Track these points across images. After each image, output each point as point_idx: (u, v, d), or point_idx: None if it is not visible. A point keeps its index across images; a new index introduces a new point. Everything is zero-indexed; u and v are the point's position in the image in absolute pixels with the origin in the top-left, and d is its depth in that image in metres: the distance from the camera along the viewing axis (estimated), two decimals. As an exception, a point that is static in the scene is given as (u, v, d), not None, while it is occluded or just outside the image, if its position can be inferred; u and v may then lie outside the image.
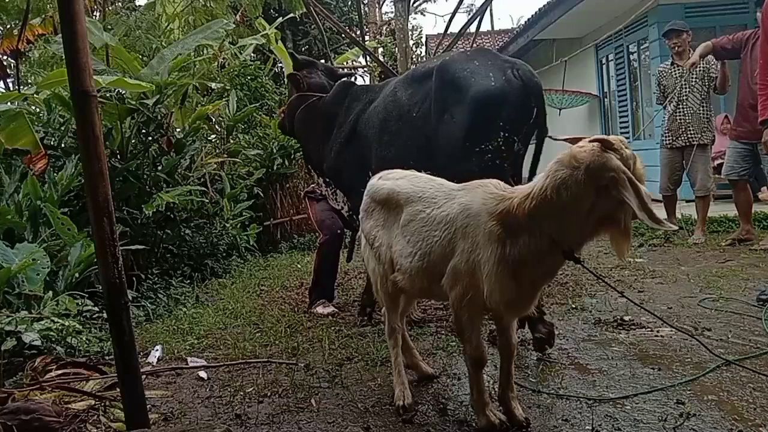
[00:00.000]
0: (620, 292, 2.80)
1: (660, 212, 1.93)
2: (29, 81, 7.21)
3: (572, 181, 1.76)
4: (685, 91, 5.72)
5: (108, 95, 4.56)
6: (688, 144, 5.69)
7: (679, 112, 5.73)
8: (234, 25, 7.09)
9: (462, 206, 2.00)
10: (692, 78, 5.69)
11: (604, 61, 10.25)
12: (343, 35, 13.41)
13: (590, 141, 1.81)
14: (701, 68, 5.66)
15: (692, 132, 5.66)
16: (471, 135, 2.84)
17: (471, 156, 2.84)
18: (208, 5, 7.85)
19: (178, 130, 6.07)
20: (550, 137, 2.31)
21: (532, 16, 10.61)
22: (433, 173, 2.93)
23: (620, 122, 9.59)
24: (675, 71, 5.84)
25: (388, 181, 2.37)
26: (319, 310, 3.93)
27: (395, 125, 3.19)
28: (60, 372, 2.55)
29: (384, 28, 15.92)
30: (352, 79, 4.07)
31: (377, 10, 18.14)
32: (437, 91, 3.00)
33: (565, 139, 1.95)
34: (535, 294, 2.00)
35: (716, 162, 6.70)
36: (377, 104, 3.38)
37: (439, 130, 2.97)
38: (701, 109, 5.68)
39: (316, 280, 4.10)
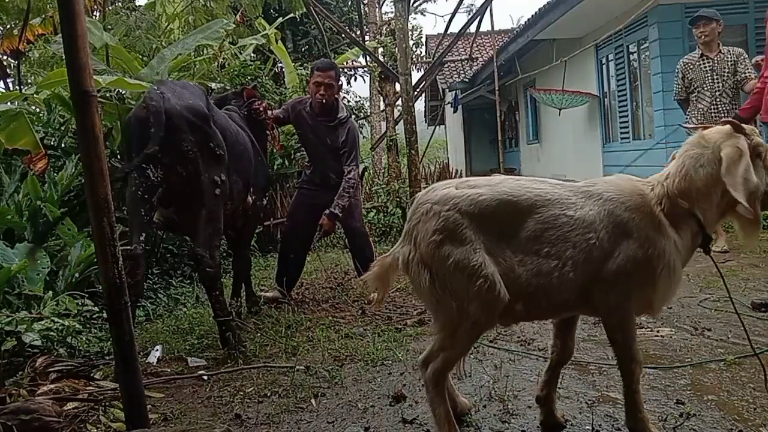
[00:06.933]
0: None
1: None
2: (29, 81, 7.20)
3: (706, 160, 1.81)
4: (718, 86, 5.12)
5: (108, 95, 4.55)
6: None
7: (714, 109, 5.11)
8: (234, 25, 7.07)
9: (615, 202, 1.82)
10: (724, 72, 5.12)
11: (604, 61, 10.24)
12: (343, 35, 13.41)
13: (722, 123, 1.89)
14: (731, 61, 5.11)
15: None
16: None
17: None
18: (208, 5, 7.84)
19: (178, 130, 6.04)
20: (680, 125, 2.41)
21: (532, 16, 10.58)
22: None
23: (620, 122, 9.58)
24: (704, 64, 5.17)
25: (480, 188, 1.84)
26: (265, 294, 4.17)
27: None
28: (53, 386, 2.52)
29: (384, 28, 15.88)
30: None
31: (377, 10, 18.12)
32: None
33: (695, 127, 2.01)
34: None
35: None
36: None
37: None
38: (731, 106, 5.13)
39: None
